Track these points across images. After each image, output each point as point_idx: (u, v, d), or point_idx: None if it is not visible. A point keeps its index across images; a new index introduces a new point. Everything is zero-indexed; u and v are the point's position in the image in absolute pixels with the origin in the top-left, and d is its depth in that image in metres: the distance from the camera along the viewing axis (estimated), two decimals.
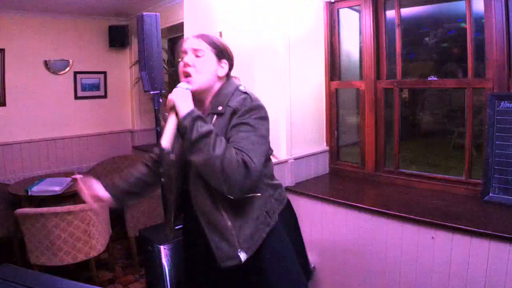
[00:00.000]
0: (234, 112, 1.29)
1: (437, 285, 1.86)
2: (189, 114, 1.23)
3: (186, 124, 1.21)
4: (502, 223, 1.75)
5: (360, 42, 2.65)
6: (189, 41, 1.37)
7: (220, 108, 1.33)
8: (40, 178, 3.40)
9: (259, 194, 1.36)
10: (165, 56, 4.22)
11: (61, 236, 2.50)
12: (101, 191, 1.49)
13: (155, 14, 2.34)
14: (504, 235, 1.63)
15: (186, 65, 1.34)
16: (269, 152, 1.41)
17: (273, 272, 1.38)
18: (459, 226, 1.75)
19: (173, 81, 4.17)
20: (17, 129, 4.03)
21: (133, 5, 4.02)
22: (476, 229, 1.71)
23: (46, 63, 4.20)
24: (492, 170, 1.97)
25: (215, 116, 1.34)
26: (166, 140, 1.26)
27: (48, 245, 2.50)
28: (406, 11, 2.46)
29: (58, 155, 4.33)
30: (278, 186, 1.48)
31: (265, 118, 1.32)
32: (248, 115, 1.27)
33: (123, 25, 4.57)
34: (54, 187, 3.07)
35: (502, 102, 1.94)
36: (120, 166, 4.39)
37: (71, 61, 4.35)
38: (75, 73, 4.39)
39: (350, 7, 2.69)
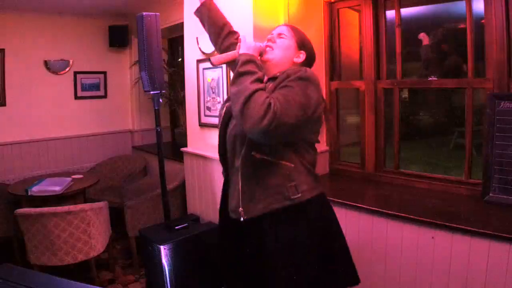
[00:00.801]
0: (286, 76, 1.33)
1: (437, 285, 1.86)
2: (247, 54, 1.34)
3: (241, 58, 1.32)
4: (502, 223, 1.75)
5: (360, 42, 2.65)
6: (278, 28, 1.54)
7: (278, 74, 1.41)
8: (40, 178, 3.40)
9: (289, 163, 1.37)
10: (165, 56, 4.23)
11: (61, 236, 2.50)
12: None
13: (155, 14, 2.34)
14: (504, 235, 1.63)
15: (269, 40, 1.49)
16: (313, 136, 1.45)
17: (276, 262, 1.37)
18: (459, 226, 1.75)
19: (173, 81, 4.18)
20: (17, 129, 4.03)
21: (133, 5, 4.02)
22: (476, 229, 1.70)
23: (46, 63, 4.20)
24: (492, 170, 1.97)
25: (270, 81, 1.43)
26: (218, 58, 1.43)
27: (48, 245, 2.50)
28: (406, 11, 2.46)
29: (58, 155, 4.33)
30: (316, 176, 1.48)
31: (311, 87, 1.31)
32: (294, 81, 1.30)
33: (123, 25, 4.57)
34: (54, 187, 3.07)
35: (502, 102, 1.94)
36: (120, 166, 4.40)
37: (71, 61, 4.35)
38: (75, 73, 4.39)
39: (350, 7, 2.69)
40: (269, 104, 1.19)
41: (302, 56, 1.50)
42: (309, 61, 1.54)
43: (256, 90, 1.22)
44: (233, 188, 1.47)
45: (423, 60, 2.58)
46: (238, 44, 1.41)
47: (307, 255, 1.38)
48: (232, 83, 1.30)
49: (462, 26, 2.16)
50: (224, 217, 1.59)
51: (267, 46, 1.48)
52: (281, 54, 1.47)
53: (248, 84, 1.24)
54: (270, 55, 1.47)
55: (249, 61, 1.32)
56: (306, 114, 1.28)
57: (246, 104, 1.20)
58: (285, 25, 1.57)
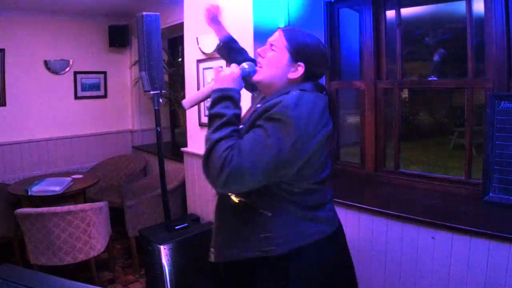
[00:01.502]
0: (265, 111, 1.14)
1: (437, 285, 1.86)
2: (219, 90, 1.20)
3: (212, 97, 1.20)
4: (502, 223, 1.75)
5: (360, 42, 2.65)
6: (274, 34, 1.31)
7: (258, 105, 1.21)
8: (40, 178, 3.40)
9: (266, 213, 1.19)
10: (165, 56, 4.22)
11: (61, 236, 2.50)
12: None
13: (155, 14, 2.34)
14: (504, 235, 1.63)
15: (258, 54, 1.31)
16: (310, 180, 1.20)
17: None
18: (459, 226, 1.75)
19: (173, 81, 4.18)
20: (17, 129, 4.03)
21: (133, 5, 4.02)
22: (476, 229, 1.70)
23: (46, 63, 4.20)
24: (492, 170, 1.97)
25: (253, 111, 1.25)
26: (188, 100, 1.32)
27: (48, 245, 2.50)
28: (406, 11, 2.46)
29: (58, 155, 4.33)
30: (314, 218, 1.23)
31: (284, 131, 1.08)
32: (267, 121, 1.10)
33: (123, 25, 4.57)
34: (54, 187, 3.07)
35: (502, 102, 1.94)
36: (120, 166, 4.40)
37: (71, 61, 4.35)
38: (75, 73, 4.39)
39: (350, 7, 2.69)
40: (224, 159, 1.06)
41: (300, 69, 1.23)
42: (312, 73, 1.26)
43: (218, 141, 1.09)
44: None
45: (436, 62, 2.57)
46: (212, 78, 1.31)
47: None
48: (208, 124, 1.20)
49: (462, 26, 2.16)
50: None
51: (259, 62, 1.29)
52: (271, 72, 1.25)
53: (210, 133, 1.13)
54: (259, 76, 1.27)
55: (220, 98, 1.17)
56: (278, 166, 1.09)
57: (207, 156, 1.10)
58: (280, 29, 1.30)
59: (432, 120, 3.03)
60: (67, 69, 4.34)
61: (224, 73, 1.22)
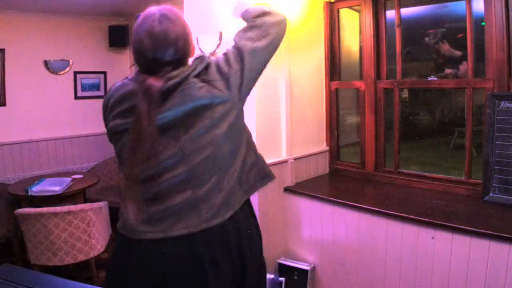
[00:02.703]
0: None
1: (437, 285, 1.86)
2: None
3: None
4: (502, 223, 1.75)
5: (360, 42, 2.65)
6: None
7: None
8: (40, 178, 3.40)
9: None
10: None
11: (61, 236, 2.50)
12: None
13: None
14: (504, 235, 1.63)
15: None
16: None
17: None
18: (459, 226, 1.75)
19: None
20: (17, 129, 4.03)
21: (133, 5, 4.02)
22: (476, 229, 1.70)
23: (46, 63, 4.20)
24: (492, 170, 1.97)
25: None
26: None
27: (48, 245, 2.50)
28: (406, 11, 2.46)
29: (58, 155, 4.33)
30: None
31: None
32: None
33: (123, 25, 4.57)
34: (54, 187, 3.07)
35: (502, 102, 1.94)
36: None
37: (71, 61, 4.35)
38: (75, 73, 4.39)
39: (350, 7, 2.69)
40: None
41: None
42: None
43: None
44: None
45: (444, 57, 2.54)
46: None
47: None
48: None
49: (462, 26, 2.16)
50: None
51: None
52: None
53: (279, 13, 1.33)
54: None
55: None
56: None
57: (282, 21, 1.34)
58: None
59: (432, 120, 3.03)
60: (67, 69, 4.34)
61: None
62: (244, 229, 1.28)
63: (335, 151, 2.80)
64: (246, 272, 1.28)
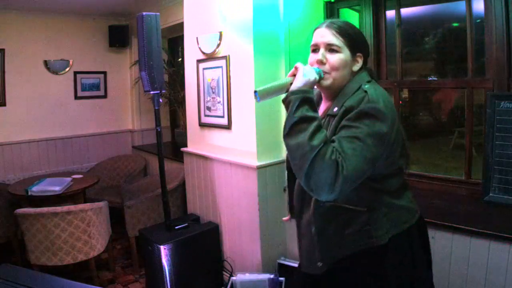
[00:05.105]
0: (346, 112, 1.14)
1: (437, 285, 1.86)
2: (302, 91, 1.12)
3: (293, 98, 1.11)
4: (502, 223, 1.75)
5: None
6: (319, 36, 1.25)
7: (335, 109, 1.21)
8: (40, 178, 3.40)
9: (362, 209, 1.20)
10: (165, 56, 4.22)
11: (61, 236, 2.50)
12: None
13: (155, 14, 2.34)
14: (504, 235, 1.63)
15: (319, 62, 1.23)
16: (391, 165, 1.22)
17: None
18: (459, 226, 1.75)
19: (173, 81, 4.18)
20: (17, 129, 4.03)
21: (133, 5, 4.02)
22: (476, 229, 1.71)
23: (46, 63, 4.20)
24: (492, 170, 1.97)
25: (329, 118, 1.24)
26: (265, 92, 1.17)
27: (48, 245, 2.50)
28: (406, 11, 2.46)
29: (58, 155, 4.33)
30: (401, 208, 1.27)
31: (378, 123, 1.10)
32: (359, 120, 1.10)
33: (123, 25, 4.58)
34: (54, 187, 3.07)
35: (502, 102, 1.94)
36: (120, 166, 4.40)
37: (71, 61, 4.35)
38: (75, 73, 4.39)
39: (350, 7, 2.69)
40: (336, 165, 1.02)
41: (360, 60, 1.26)
42: (366, 57, 1.31)
43: (319, 148, 1.03)
44: (304, 239, 1.34)
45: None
46: (292, 73, 1.20)
47: None
48: (286, 131, 1.10)
49: (462, 26, 2.16)
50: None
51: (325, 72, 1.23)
52: (340, 74, 1.23)
53: (307, 140, 1.04)
54: (328, 82, 1.23)
55: (304, 100, 1.10)
56: (377, 160, 1.11)
57: (310, 166, 1.03)
58: (327, 28, 1.24)
59: (432, 120, 3.03)
60: (67, 69, 4.34)
61: (307, 72, 1.17)
62: None
63: None
64: None
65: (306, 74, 1.16)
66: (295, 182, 1.40)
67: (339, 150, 1.05)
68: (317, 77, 1.19)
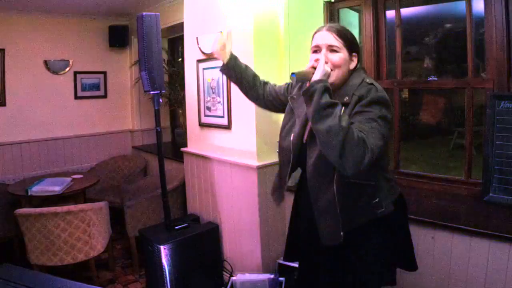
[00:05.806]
0: (358, 100, 1.33)
1: (437, 285, 1.86)
2: (324, 81, 1.28)
3: (318, 87, 1.24)
4: (502, 223, 1.75)
5: (360, 42, 2.65)
6: (320, 37, 1.42)
7: (346, 98, 1.38)
8: (40, 178, 3.40)
9: (372, 183, 1.42)
10: (165, 56, 4.23)
11: (61, 236, 2.50)
12: (228, 48, 1.76)
13: (155, 14, 2.34)
14: (504, 235, 1.63)
15: (319, 61, 1.38)
16: (385, 146, 1.40)
17: (362, 263, 1.47)
18: (459, 226, 1.75)
19: (173, 81, 4.18)
20: (17, 129, 4.03)
21: (133, 5, 4.02)
22: (476, 229, 1.71)
23: (46, 63, 4.20)
24: (492, 170, 1.97)
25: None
26: (299, 71, 1.33)
27: (48, 245, 2.50)
28: (406, 11, 2.46)
29: (58, 155, 4.33)
30: (392, 180, 1.54)
31: (385, 109, 1.31)
32: (371, 105, 1.30)
33: (123, 25, 4.57)
34: (54, 187, 3.07)
35: (502, 102, 1.94)
36: (120, 166, 4.40)
37: (71, 61, 4.35)
38: (75, 73, 4.39)
39: (350, 7, 2.69)
40: (364, 142, 1.19)
41: (355, 59, 1.45)
42: (360, 57, 1.52)
43: (347, 128, 1.18)
44: (326, 216, 1.45)
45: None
46: (313, 66, 1.37)
47: (386, 251, 1.49)
48: (315, 117, 1.23)
49: (462, 26, 2.16)
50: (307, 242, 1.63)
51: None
52: (341, 71, 1.41)
53: (337, 122, 1.18)
54: (332, 78, 1.38)
55: (327, 89, 1.25)
56: (388, 138, 1.32)
57: (343, 145, 1.17)
58: (328, 31, 1.42)
59: (432, 120, 3.03)
60: (67, 69, 4.34)
61: (327, 68, 1.35)
62: None
63: None
64: None
65: (326, 67, 1.34)
66: (289, 166, 1.59)
67: (360, 130, 1.22)
68: (330, 71, 1.36)
